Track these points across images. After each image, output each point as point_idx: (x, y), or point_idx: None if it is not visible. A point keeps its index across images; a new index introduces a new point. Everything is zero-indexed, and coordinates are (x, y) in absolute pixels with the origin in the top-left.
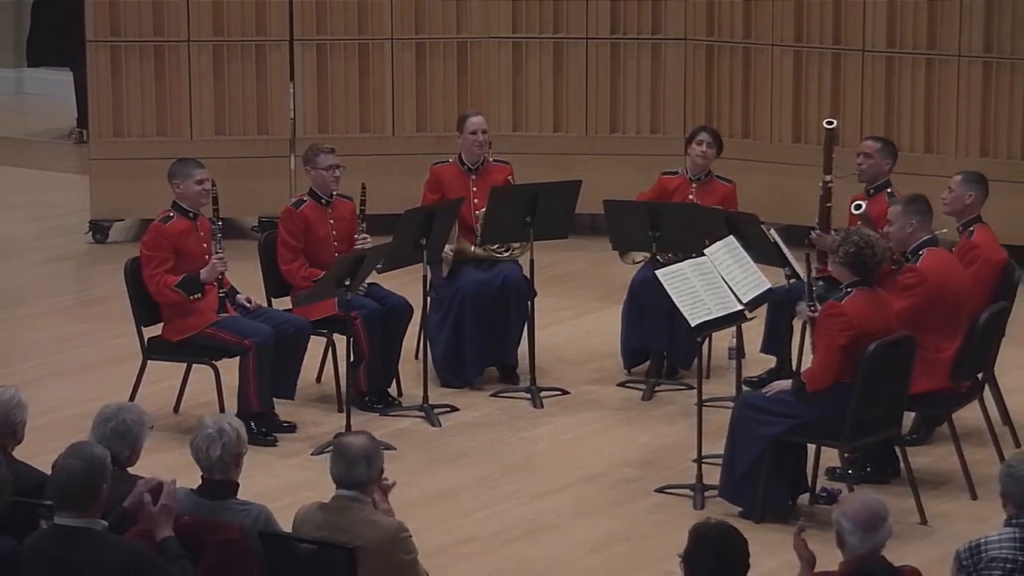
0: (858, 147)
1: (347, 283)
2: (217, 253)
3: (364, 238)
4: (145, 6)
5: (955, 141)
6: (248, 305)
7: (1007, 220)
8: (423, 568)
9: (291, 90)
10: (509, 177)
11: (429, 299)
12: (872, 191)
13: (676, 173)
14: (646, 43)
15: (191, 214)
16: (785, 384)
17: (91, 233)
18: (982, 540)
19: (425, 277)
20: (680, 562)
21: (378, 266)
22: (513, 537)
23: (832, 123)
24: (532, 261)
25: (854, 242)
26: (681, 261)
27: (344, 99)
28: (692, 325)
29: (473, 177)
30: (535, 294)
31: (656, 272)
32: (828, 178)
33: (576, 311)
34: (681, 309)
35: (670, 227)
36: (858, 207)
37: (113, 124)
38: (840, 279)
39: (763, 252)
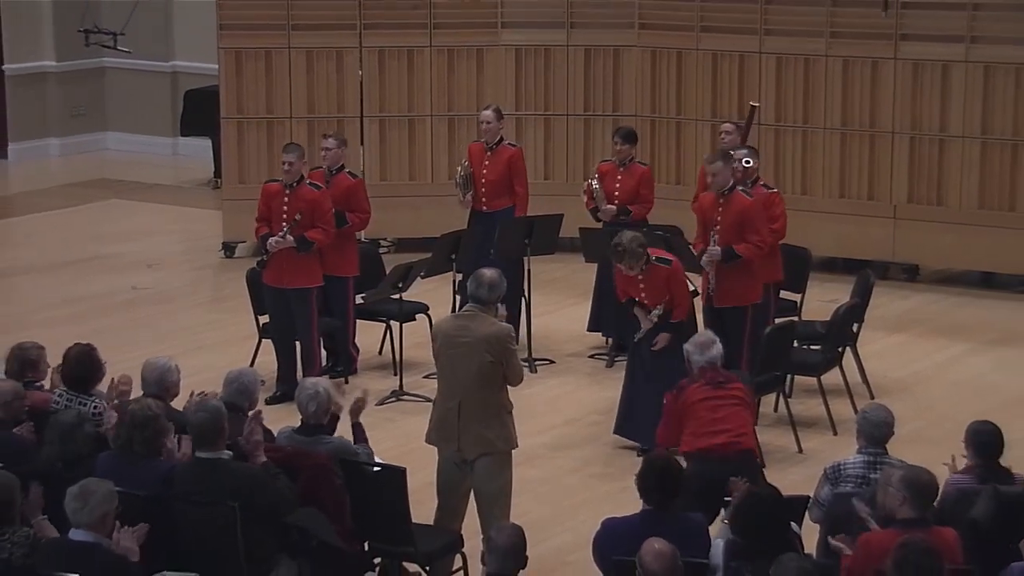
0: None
1: (400, 285)
2: (278, 240)
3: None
4: (260, 94)
5: (822, 187)
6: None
7: (858, 240)
8: (519, 360)
9: (361, 151)
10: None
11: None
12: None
13: (609, 161)
14: (608, 117)
15: (281, 181)
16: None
17: (223, 251)
18: (842, 462)
19: (454, 281)
20: (634, 481)
21: (421, 273)
22: (516, 463)
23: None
24: (528, 271)
25: (636, 238)
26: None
27: (398, 157)
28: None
29: (488, 153)
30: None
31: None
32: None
33: (560, 305)
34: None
35: None
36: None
37: (239, 175)
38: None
39: (688, 260)
